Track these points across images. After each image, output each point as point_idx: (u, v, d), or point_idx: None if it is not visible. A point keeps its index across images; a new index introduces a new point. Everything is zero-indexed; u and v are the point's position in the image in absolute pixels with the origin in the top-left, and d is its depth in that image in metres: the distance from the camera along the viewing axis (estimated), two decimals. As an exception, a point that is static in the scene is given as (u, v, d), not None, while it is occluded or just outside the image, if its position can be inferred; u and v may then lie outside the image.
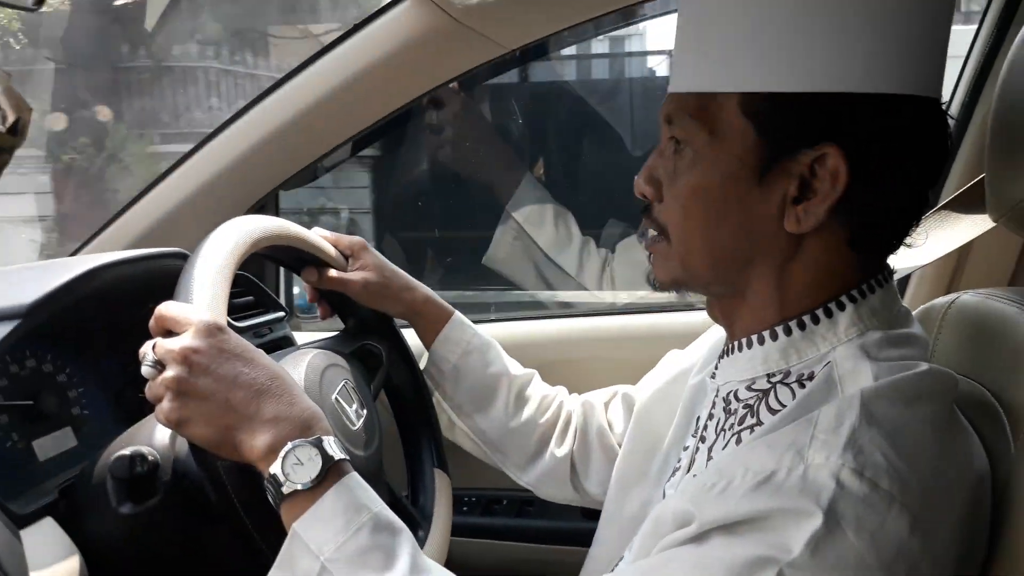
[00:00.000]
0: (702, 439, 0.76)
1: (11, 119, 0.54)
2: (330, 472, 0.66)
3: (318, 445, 0.66)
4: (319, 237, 0.99)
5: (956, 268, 1.21)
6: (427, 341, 1.05)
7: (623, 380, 1.35)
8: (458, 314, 1.06)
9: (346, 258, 1.02)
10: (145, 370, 0.70)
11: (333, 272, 0.99)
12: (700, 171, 0.67)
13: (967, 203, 0.93)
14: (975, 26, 1.22)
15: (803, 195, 0.65)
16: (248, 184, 1.28)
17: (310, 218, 1.82)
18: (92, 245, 1.32)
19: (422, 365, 1.08)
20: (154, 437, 0.84)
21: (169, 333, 0.71)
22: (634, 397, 0.99)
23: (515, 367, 1.07)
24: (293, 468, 0.65)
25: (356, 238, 1.04)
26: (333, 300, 1.04)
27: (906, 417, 0.60)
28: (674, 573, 0.58)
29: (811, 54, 0.62)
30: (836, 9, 0.62)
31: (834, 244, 0.67)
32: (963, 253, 1.18)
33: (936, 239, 0.94)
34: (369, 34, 1.16)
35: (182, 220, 1.28)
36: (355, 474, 0.69)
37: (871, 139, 0.63)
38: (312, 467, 0.65)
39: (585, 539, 1.05)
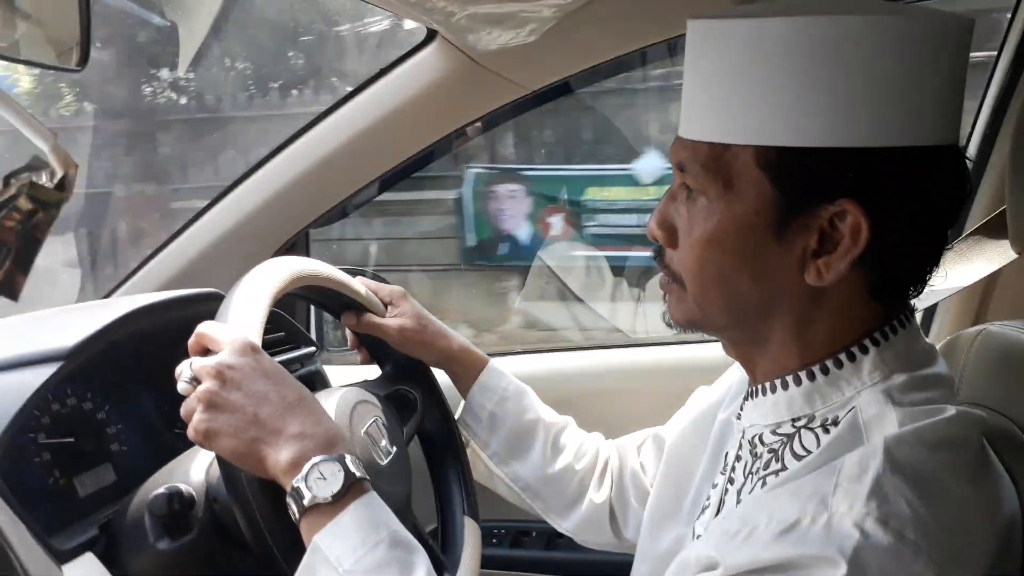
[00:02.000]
0: (731, 480, 0.76)
1: (59, 175, 0.57)
2: (351, 489, 0.68)
3: (341, 461, 0.68)
4: (359, 283, 1.03)
5: (983, 299, 1.20)
6: (463, 388, 1.06)
7: (650, 412, 1.35)
8: (493, 361, 1.07)
9: (385, 306, 1.05)
10: (181, 386, 0.73)
11: (372, 317, 1.02)
12: (716, 222, 0.66)
13: (990, 234, 0.93)
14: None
15: (823, 248, 0.64)
16: (279, 224, 1.31)
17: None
18: (126, 286, 1.36)
19: (456, 414, 1.09)
20: (190, 474, 0.86)
21: (207, 352, 0.74)
22: (664, 437, 0.99)
23: (550, 414, 1.07)
24: (316, 483, 0.67)
25: (396, 288, 1.07)
26: (371, 346, 1.07)
27: (931, 464, 0.59)
28: None
29: (826, 109, 0.61)
30: (850, 64, 0.61)
31: (855, 294, 0.66)
32: (989, 284, 1.17)
33: (960, 271, 0.94)
34: (394, 78, 1.20)
35: (214, 261, 1.32)
36: (375, 493, 0.70)
37: (890, 193, 0.62)
38: (335, 482, 0.67)
39: (614, 572, 1.05)
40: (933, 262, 0.67)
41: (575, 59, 1.16)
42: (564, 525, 1.04)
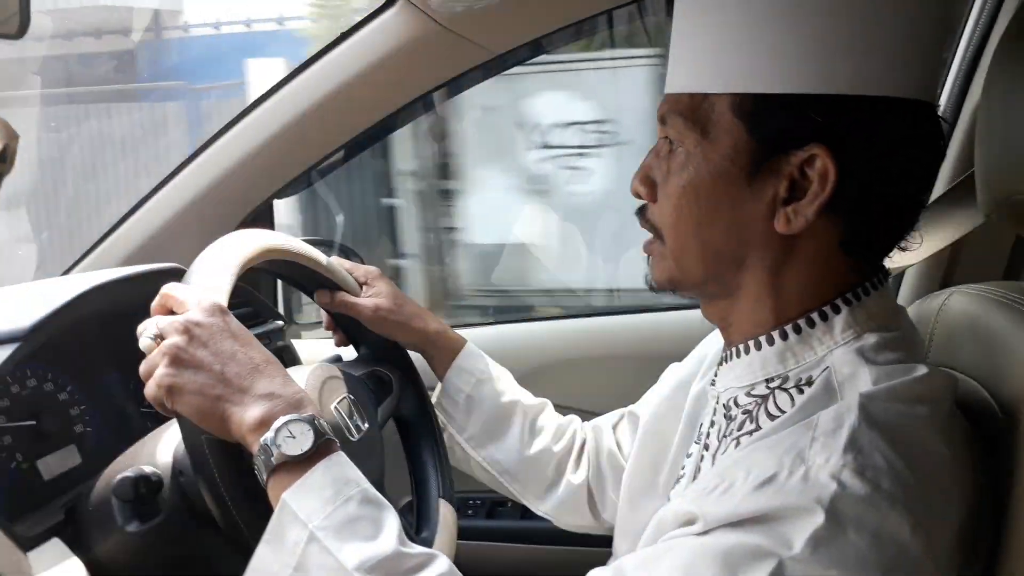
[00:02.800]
0: (706, 447, 0.76)
1: (-1, 146, 0.54)
2: (321, 447, 0.67)
3: (310, 422, 0.67)
4: (333, 262, 1.00)
5: (950, 263, 1.22)
6: (440, 371, 1.06)
7: (620, 379, 1.35)
8: (470, 344, 1.07)
9: (361, 286, 1.03)
10: (144, 342, 0.71)
11: (346, 296, 1.00)
12: (691, 170, 0.68)
13: (958, 198, 0.94)
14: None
15: (793, 196, 0.65)
16: (242, 195, 1.28)
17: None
18: (85, 262, 1.32)
19: (433, 398, 1.08)
20: (156, 455, 0.84)
21: (171, 313, 0.72)
22: (638, 414, 1.00)
23: (527, 396, 1.07)
24: (285, 440, 0.66)
25: (372, 267, 1.06)
26: (346, 327, 1.05)
27: (905, 420, 0.60)
28: (674, 560, 0.59)
29: (800, 56, 0.63)
30: (826, 12, 0.63)
31: (826, 246, 0.67)
32: (956, 248, 1.19)
33: (928, 236, 0.95)
34: (356, 42, 1.17)
35: (175, 234, 1.28)
36: (343, 453, 0.69)
37: (860, 141, 0.63)
38: (304, 440, 0.66)
39: (590, 541, 1.06)
40: (906, 222, 0.69)
41: (541, 21, 1.14)
42: (542, 508, 1.05)
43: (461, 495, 1.09)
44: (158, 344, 0.70)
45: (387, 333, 1.03)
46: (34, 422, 0.93)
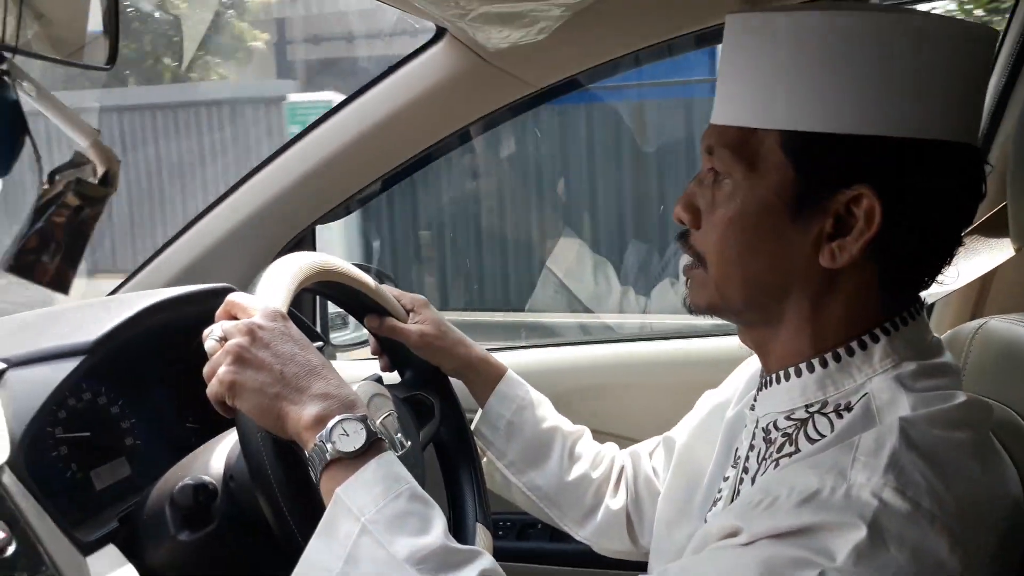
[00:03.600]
0: (745, 470, 0.78)
1: (101, 171, 0.58)
2: (372, 446, 0.69)
3: (363, 421, 0.70)
4: (383, 289, 1.05)
5: (980, 294, 1.23)
6: (481, 397, 1.08)
7: (654, 406, 1.37)
8: (511, 371, 1.09)
9: (407, 312, 1.07)
10: (209, 344, 0.75)
11: (394, 321, 1.04)
12: (738, 202, 0.70)
13: (990, 230, 0.95)
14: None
15: (838, 232, 0.67)
16: (286, 220, 1.32)
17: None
18: (132, 283, 1.37)
19: (472, 425, 1.10)
20: (210, 466, 0.87)
21: (235, 319, 0.76)
22: (675, 439, 1.00)
23: (567, 423, 1.09)
24: (339, 438, 0.68)
25: (419, 296, 1.09)
26: (391, 352, 1.08)
27: (944, 445, 0.62)
28: (718, 566, 0.61)
29: (851, 98, 0.65)
30: (877, 56, 0.64)
31: (866, 281, 0.69)
32: (987, 279, 1.20)
33: (962, 266, 0.96)
34: (403, 75, 1.21)
35: (221, 257, 1.33)
36: (392, 453, 0.72)
37: (906, 183, 0.65)
38: (357, 439, 0.68)
39: (622, 564, 1.07)
40: (944, 259, 0.70)
41: (582, 57, 1.18)
42: (582, 533, 1.06)
43: (492, 516, 1.10)
44: (222, 346, 0.73)
45: (431, 359, 1.06)
46: (88, 434, 0.97)
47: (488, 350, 1.12)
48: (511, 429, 1.05)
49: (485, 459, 1.08)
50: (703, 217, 0.74)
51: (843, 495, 0.59)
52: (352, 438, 0.68)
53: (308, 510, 0.71)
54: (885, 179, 0.65)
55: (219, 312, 0.78)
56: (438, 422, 1.04)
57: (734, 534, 0.62)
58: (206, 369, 0.74)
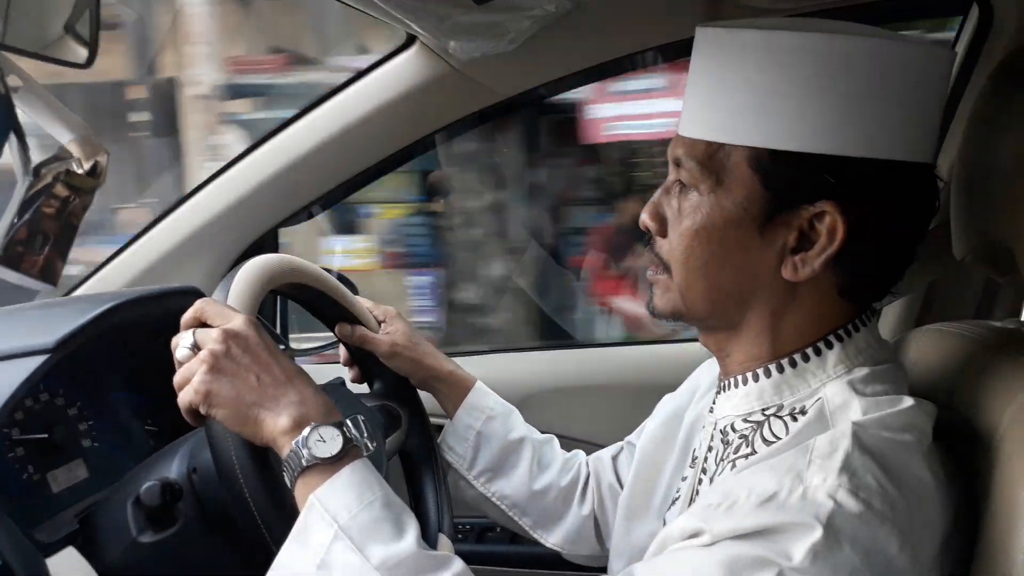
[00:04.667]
0: (703, 470, 0.80)
1: (88, 164, 0.58)
2: (348, 452, 0.70)
3: (339, 427, 0.70)
4: (357, 298, 1.05)
5: (924, 302, 1.28)
6: (450, 409, 1.09)
7: (616, 410, 1.39)
8: (480, 382, 1.10)
9: (379, 323, 1.07)
10: (181, 352, 0.74)
11: (365, 331, 1.04)
12: (704, 215, 0.72)
13: (934, 243, 1.00)
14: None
15: (801, 246, 0.70)
16: (249, 223, 1.32)
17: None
18: (91, 282, 1.34)
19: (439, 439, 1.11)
20: (172, 469, 0.87)
21: (204, 326, 0.75)
22: (635, 443, 1.03)
23: (535, 432, 1.11)
24: (316, 444, 0.69)
25: (389, 308, 1.09)
26: (361, 363, 1.08)
27: (893, 446, 0.65)
28: (681, 567, 0.63)
29: (819, 117, 0.67)
30: (847, 79, 0.67)
31: (826, 293, 0.72)
32: (931, 288, 1.25)
33: (908, 278, 1.01)
34: (372, 81, 1.22)
35: (183, 257, 1.31)
36: (367, 459, 0.72)
37: (868, 200, 0.68)
38: (333, 445, 0.69)
39: (579, 566, 1.09)
40: (899, 271, 0.74)
41: (550, 68, 1.20)
42: (551, 540, 1.07)
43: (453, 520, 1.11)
44: (195, 354, 0.73)
45: (401, 369, 1.06)
46: (46, 435, 0.95)
47: (449, 354, 1.13)
48: (480, 440, 1.06)
49: (453, 471, 1.09)
50: (669, 226, 0.75)
51: (800, 496, 0.61)
52: (328, 444, 0.69)
53: (281, 516, 0.72)
54: (849, 197, 0.68)
55: (187, 318, 0.76)
56: (405, 432, 1.05)
57: (695, 535, 0.64)
58: (177, 378, 0.73)
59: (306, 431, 0.69)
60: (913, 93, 0.69)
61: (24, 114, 0.56)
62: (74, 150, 0.57)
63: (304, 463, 0.68)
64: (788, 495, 0.62)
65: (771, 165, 0.69)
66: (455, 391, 1.08)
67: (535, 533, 1.08)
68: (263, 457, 0.73)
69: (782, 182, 0.69)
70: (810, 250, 0.70)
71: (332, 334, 1.06)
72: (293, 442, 0.69)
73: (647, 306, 0.81)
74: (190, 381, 0.72)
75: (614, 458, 1.08)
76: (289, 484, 0.70)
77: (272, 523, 0.72)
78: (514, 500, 1.06)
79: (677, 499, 0.85)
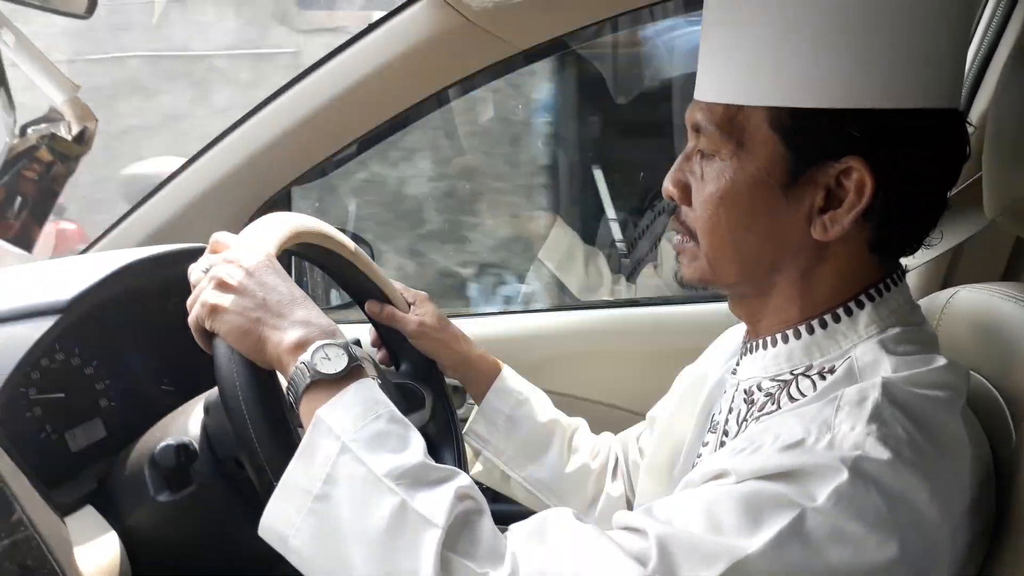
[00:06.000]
0: (725, 433, 0.79)
1: (77, 128, 0.56)
2: (353, 371, 0.70)
3: (344, 347, 0.70)
4: (387, 276, 1.04)
5: (951, 263, 1.25)
6: (477, 394, 1.08)
7: (628, 373, 1.39)
8: (507, 367, 1.09)
9: (408, 306, 1.06)
10: (194, 275, 0.76)
11: (394, 310, 1.03)
12: (727, 180, 0.70)
13: (964, 201, 0.97)
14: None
15: (829, 205, 0.68)
16: (261, 181, 1.30)
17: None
18: (105, 241, 1.34)
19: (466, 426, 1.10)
20: (188, 428, 0.87)
21: None
22: (656, 416, 1.02)
23: (564, 416, 1.10)
24: (321, 361, 0.68)
25: (421, 291, 1.09)
26: (389, 342, 1.08)
27: (925, 403, 0.64)
28: (699, 501, 0.62)
29: (837, 71, 0.65)
30: (862, 27, 0.65)
31: (857, 249, 0.70)
32: (958, 248, 1.22)
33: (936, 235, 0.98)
34: (383, 34, 1.19)
35: (195, 217, 1.30)
36: (371, 379, 0.72)
37: (895, 152, 0.66)
38: (339, 362, 0.69)
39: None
40: (931, 221, 0.72)
41: (566, 18, 1.16)
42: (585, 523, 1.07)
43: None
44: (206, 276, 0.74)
45: (429, 351, 1.05)
46: (63, 395, 0.96)
47: (458, 316, 1.12)
48: (510, 424, 1.06)
49: (482, 457, 1.09)
50: (693, 194, 0.74)
51: (827, 443, 0.61)
52: (334, 361, 0.69)
53: (283, 445, 0.71)
54: (874, 151, 0.66)
55: (207, 250, 0.78)
56: (429, 413, 1.04)
57: (719, 476, 0.64)
58: (190, 299, 0.74)
59: (311, 349, 0.69)
60: (935, 37, 0.67)
61: (16, 69, 0.54)
62: (65, 112, 0.56)
63: (309, 380, 0.68)
64: (815, 441, 0.61)
65: (792, 124, 0.67)
66: (483, 376, 1.07)
67: None
68: (268, 383, 0.72)
69: (805, 141, 0.67)
70: (839, 208, 0.68)
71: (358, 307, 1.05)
72: (298, 359, 0.69)
73: (675, 275, 0.79)
74: (199, 298, 0.73)
75: (638, 437, 1.07)
76: (294, 404, 0.70)
77: (273, 452, 0.71)
78: (546, 484, 1.06)
79: (697, 464, 0.84)
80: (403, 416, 0.71)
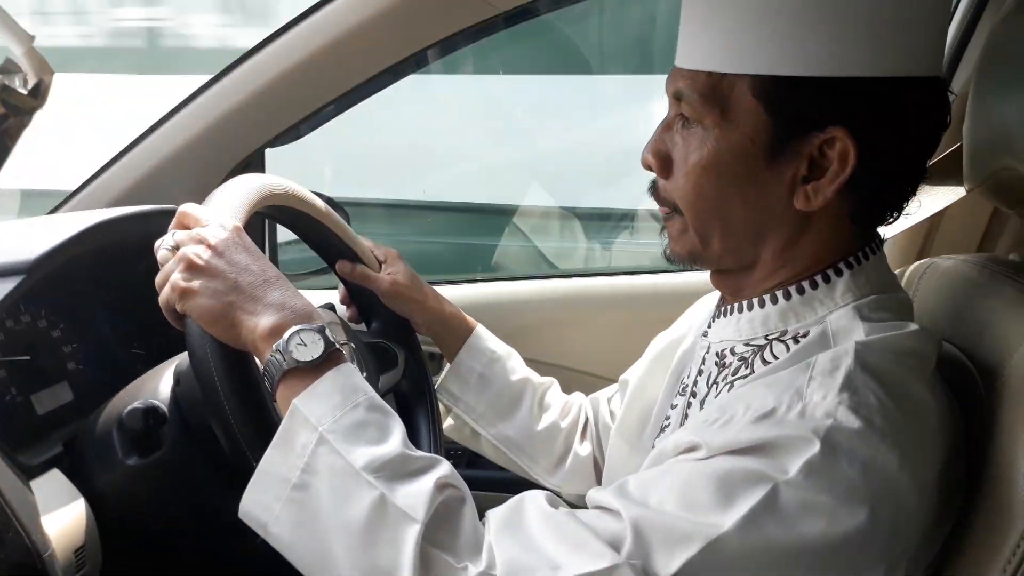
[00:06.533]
0: (693, 394, 0.79)
1: (32, 82, 0.54)
2: (331, 356, 0.68)
3: (321, 332, 0.68)
4: (357, 234, 1.02)
5: (928, 234, 1.26)
6: (450, 352, 1.07)
7: (604, 342, 1.39)
8: (481, 326, 1.09)
9: (380, 264, 1.05)
10: (161, 253, 0.73)
11: (366, 269, 1.02)
12: (711, 149, 0.69)
13: (943, 171, 0.97)
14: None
15: (812, 174, 0.68)
16: (234, 142, 1.27)
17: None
18: (72, 203, 1.30)
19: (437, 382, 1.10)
20: (158, 391, 0.85)
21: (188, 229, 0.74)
22: (628, 380, 1.02)
23: (535, 375, 1.10)
24: (297, 348, 0.67)
25: (391, 249, 1.07)
26: (360, 301, 1.06)
27: (896, 369, 0.64)
28: (673, 480, 0.62)
29: (820, 39, 0.64)
30: None
31: (839, 219, 0.70)
32: (935, 219, 1.23)
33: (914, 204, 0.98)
34: (359, -8, 1.16)
35: (165, 177, 1.27)
36: (350, 364, 0.71)
37: (878, 121, 0.66)
38: (315, 348, 0.67)
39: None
40: (911, 190, 0.72)
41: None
42: (552, 481, 1.07)
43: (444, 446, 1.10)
44: (174, 255, 0.71)
45: (402, 310, 1.05)
46: (28, 358, 0.94)
47: (438, 283, 1.11)
48: (482, 382, 1.06)
49: (452, 414, 1.08)
50: (674, 165, 0.73)
51: (798, 413, 0.61)
52: (310, 348, 0.67)
53: (259, 425, 0.70)
54: (858, 120, 0.65)
55: (172, 223, 0.75)
56: (401, 372, 1.03)
57: (691, 449, 0.64)
58: (158, 278, 0.72)
59: (287, 335, 0.67)
60: (914, 4, 0.66)
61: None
62: (22, 64, 0.53)
63: (285, 367, 0.67)
64: (787, 411, 0.61)
65: (776, 93, 0.66)
66: (456, 334, 1.07)
67: (535, 474, 1.08)
68: (241, 363, 0.71)
69: (788, 110, 0.66)
70: (821, 178, 0.67)
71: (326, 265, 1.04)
72: (273, 346, 0.67)
73: (663, 251, 0.79)
74: (168, 279, 0.70)
75: (610, 399, 1.08)
76: (270, 389, 0.69)
77: (250, 432, 0.70)
78: (515, 442, 1.06)
79: (667, 426, 0.84)
80: (382, 402, 0.70)
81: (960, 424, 0.69)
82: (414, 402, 1.07)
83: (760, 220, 0.71)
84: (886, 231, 0.77)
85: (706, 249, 0.74)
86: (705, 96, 0.68)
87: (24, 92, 0.55)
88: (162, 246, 0.73)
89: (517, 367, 1.08)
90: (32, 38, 0.54)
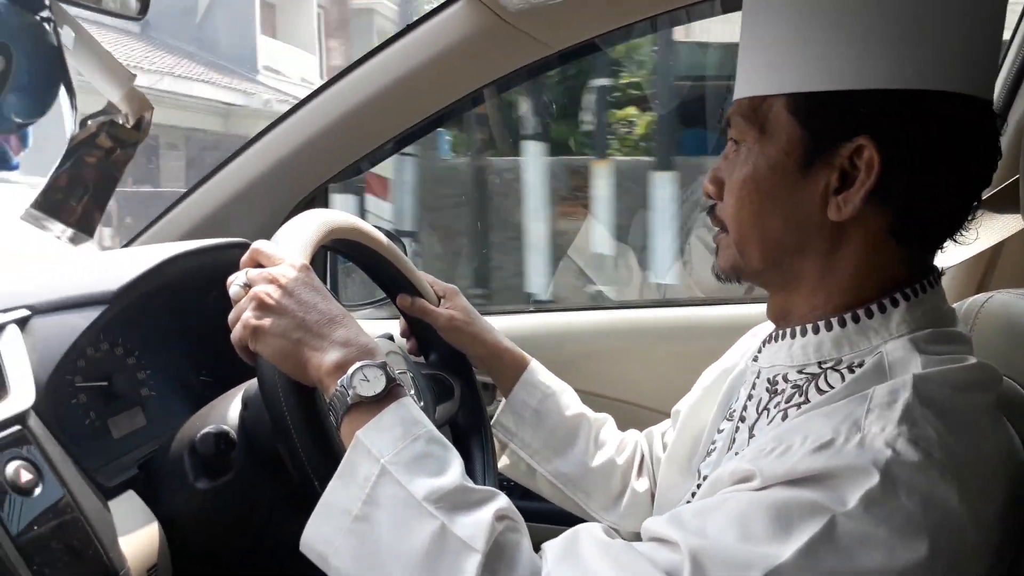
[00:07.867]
0: (741, 419, 0.80)
1: (135, 117, 0.58)
2: (391, 391, 0.71)
3: (383, 367, 0.71)
4: (418, 271, 1.06)
5: (987, 267, 1.24)
6: (506, 386, 1.09)
7: (657, 374, 1.39)
8: (535, 361, 1.10)
9: (439, 299, 1.08)
10: (233, 290, 0.77)
11: (424, 303, 1.05)
12: (751, 165, 0.73)
13: (1001, 202, 0.96)
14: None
15: (844, 186, 0.70)
16: (299, 178, 1.33)
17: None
18: (147, 235, 1.37)
19: (493, 417, 1.11)
20: (228, 417, 0.89)
21: (259, 267, 0.78)
22: (680, 411, 1.02)
23: (590, 411, 1.11)
24: (360, 383, 0.70)
25: (450, 285, 1.10)
26: (419, 335, 1.09)
27: (956, 402, 0.64)
28: (730, 510, 0.62)
29: (844, 55, 0.68)
30: (865, 12, 0.68)
31: (875, 234, 0.71)
32: (994, 252, 1.21)
33: (971, 236, 0.97)
34: (421, 34, 1.21)
35: (235, 212, 1.33)
36: (410, 398, 0.73)
37: (903, 131, 0.68)
38: (377, 383, 0.70)
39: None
40: (956, 215, 0.72)
41: (602, 20, 1.17)
42: (609, 518, 1.07)
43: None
44: (246, 293, 0.75)
45: (459, 344, 1.07)
46: (106, 383, 0.99)
47: (489, 313, 1.12)
48: (537, 417, 1.07)
49: (509, 450, 1.09)
50: (725, 187, 0.77)
51: (857, 444, 0.61)
52: (372, 383, 0.70)
53: (326, 455, 0.73)
54: (883, 129, 0.68)
55: (244, 259, 0.79)
56: (458, 403, 1.05)
57: (746, 479, 0.64)
58: (231, 315, 0.76)
59: (351, 370, 0.70)
60: (948, 19, 0.68)
61: (75, 67, 0.56)
62: (122, 105, 0.58)
63: (349, 402, 0.70)
64: (845, 442, 0.61)
65: (807, 107, 0.70)
66: (511, 369, 1.08)
67: (592, 511, 1.08)
68: (309, 394, 0.74)
69: (819, 122, 0.70)
70: (852, 188, 0.69)
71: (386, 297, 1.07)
72: (338, 382, 0.70)
73: (712, 269, 0.82)
74: (241, 317, 0.74)
75: (664, 433, 1.08)
76: (335, 423, 0.72)
77: (319, 465, 0.73)
78: (571, 478, 1.06)
79: (712, 451, 0.84)
80: (441, 436, 0.72)
81: (1021, 461, 0.68)
82: (470, 433, 1.08)
83: (797, 232, 0.73)
84: (944, 263, 0.77)
85: (745, 260, 0.76)
86: (747, 117, 0.73)
87: (129, 126, 0.59)
88: (235, 283, 0.77)
89: (571, 403, 1.09)
90: (133, 77, 0.59)
